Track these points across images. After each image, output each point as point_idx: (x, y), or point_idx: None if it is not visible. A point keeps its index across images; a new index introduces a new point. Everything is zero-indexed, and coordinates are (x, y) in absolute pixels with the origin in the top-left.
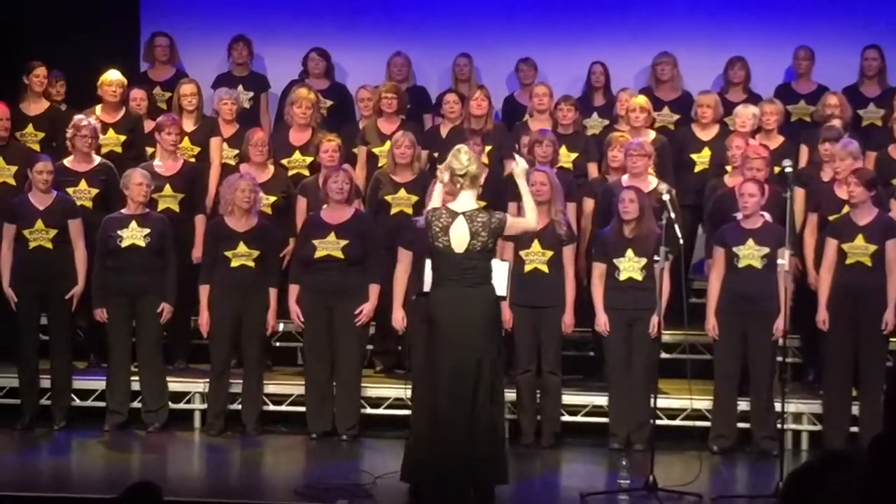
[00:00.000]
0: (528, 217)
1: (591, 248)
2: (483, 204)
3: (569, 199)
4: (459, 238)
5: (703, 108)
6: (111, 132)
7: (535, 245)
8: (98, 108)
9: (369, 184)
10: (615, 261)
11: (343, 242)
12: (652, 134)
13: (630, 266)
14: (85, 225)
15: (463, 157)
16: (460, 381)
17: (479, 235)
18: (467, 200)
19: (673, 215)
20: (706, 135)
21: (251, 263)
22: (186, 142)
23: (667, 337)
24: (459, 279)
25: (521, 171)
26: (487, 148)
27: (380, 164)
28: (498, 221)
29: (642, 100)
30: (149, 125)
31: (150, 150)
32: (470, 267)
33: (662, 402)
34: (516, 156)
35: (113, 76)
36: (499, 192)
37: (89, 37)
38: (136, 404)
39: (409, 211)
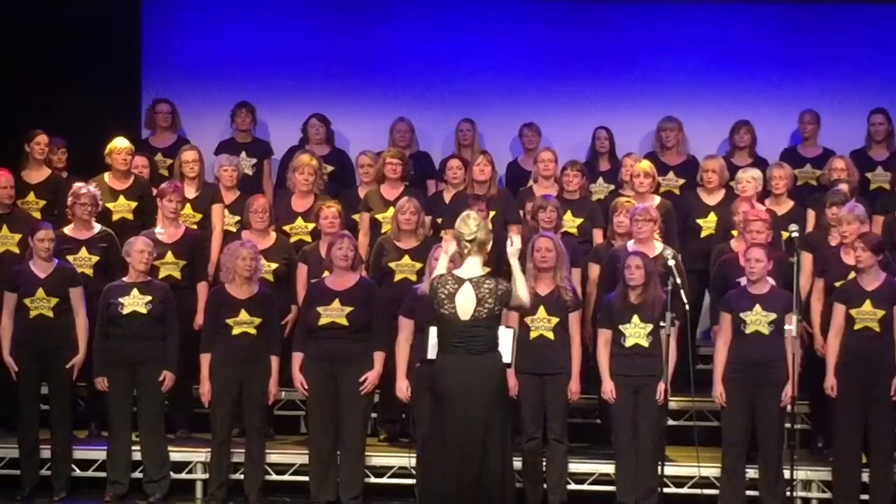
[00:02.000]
0: (521, 294)
1: (597, 313)
2: (488, 270)
3: (574, 264)
4: (465, 305)
5: (709, 172)
6: (122, 199)
7: (541, 311)
8: (106, 175)
9: (372, 250)
10: (621, 327)
11: (348, 309)
12: (657, 199)
13: (636, 332)
14: (85, 293)
15: (472, 223)
16: (469, 449)
17: (485, 302)
18: (473, 267)
19: (678, 281)
20: (712, 199)
21: (253, 331)
22: (188, 208)
23: (674, 404)
24: (465, 346)
25: (515, 251)
26: (491, 213)
27: (383, 231)
28: (505, 289)
29: (647, 165)
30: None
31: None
32: (476, 334)
33: (670, 470)
34: (512, 236)
35: (121, 143)
36: (502, 259)
37: (91, 103)
38: (137, 474)
39: (413, 278)
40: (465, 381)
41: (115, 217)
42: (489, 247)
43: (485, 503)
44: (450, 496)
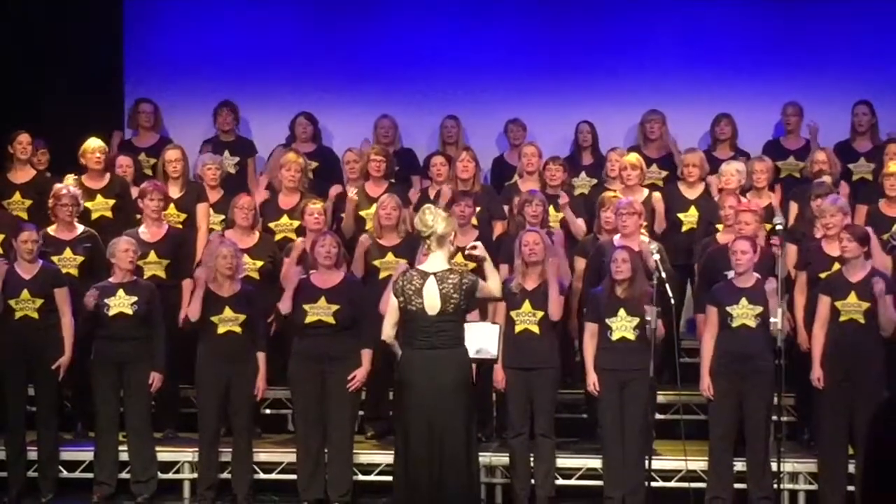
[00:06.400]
0: (492, 286)
1: (583, 307)
2: (466, 263)
3: None
4: (432, 300)
5: (689, 166)
6: (99, 197)
7: (526, 305)
8: (83, 177)
9: (355, 250)
10: (607, 321)
11: (334, 307)
12: (645, 192)
13: (622, 326)
14: (71, 293)
15: (427, 217)
16: (432, 444)
17: (451, 297)
18: (438, 261)
19: (664, 275)
20: (692, 193)
21: (238, 329)
22: (172, 208)
23: (661, 397)
24: (432, 341)
25: (481, 254)
26: (476, 209)
27: (367, 227)
28: (470, 283)
29: (634, 157)
30: (135, 192)
31: (138, 216)
32: (443, 329)
33: (657, 464)
34: (477, 244)
35: (94, 143)
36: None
37: (73, 104)
38: (124, 475)
39: None
40: (430, 377)
41: (95, 216)
42: (452, 238)
43: (448, 499)
44: (414, 491)
